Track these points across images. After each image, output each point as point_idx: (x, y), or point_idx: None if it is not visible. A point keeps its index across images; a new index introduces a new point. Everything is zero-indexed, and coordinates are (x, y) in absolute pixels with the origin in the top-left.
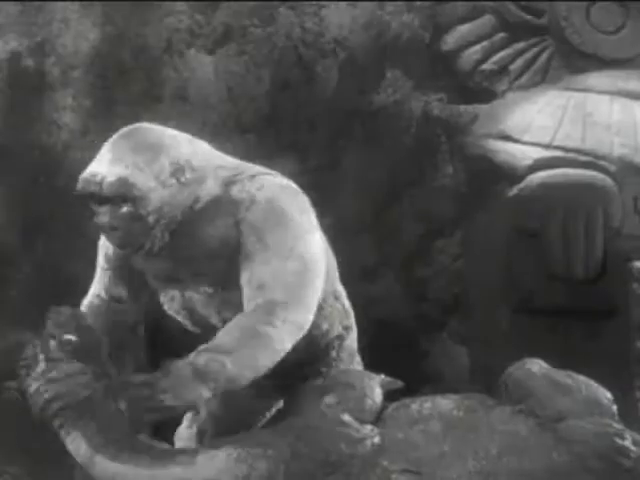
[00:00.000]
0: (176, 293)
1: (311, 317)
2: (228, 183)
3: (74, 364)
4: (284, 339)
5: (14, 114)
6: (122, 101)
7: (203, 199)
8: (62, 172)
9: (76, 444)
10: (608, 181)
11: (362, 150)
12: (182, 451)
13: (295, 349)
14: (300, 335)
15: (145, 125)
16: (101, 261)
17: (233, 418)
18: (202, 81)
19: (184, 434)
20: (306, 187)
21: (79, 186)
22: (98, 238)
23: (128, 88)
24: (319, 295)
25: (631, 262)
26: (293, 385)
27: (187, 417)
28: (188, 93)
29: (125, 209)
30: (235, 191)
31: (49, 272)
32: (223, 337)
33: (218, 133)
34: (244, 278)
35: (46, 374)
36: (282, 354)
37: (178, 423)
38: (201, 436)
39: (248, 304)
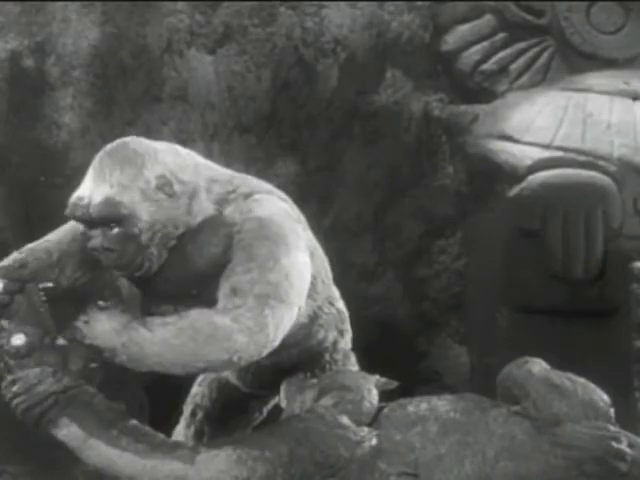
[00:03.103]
0: (169, 308)
1: (274, 341)
2: (222, 202)
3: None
4: (236, 342)
5: (14, 114)
6: (122, 101)
7: (197, 218)
8: (62, 172)
9: (67, 429)
10: (608, 181)
11: (362, 150)
12: (182, 445)
13: (289, 357)
14: (256, 351)
15: (129, 140)
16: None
17: (229, 417)
18: (202, 81)
19: (181, 435)
20: (306, 187)
21: (68, 211)
22: None
23: (128, 88)
24: (291, 319)
25: (631, 262)
26: (288, 386)
27: (184, 418)
28: (188, 93)
29: (116, 230)
30: (229, 212)
31: None
32: (174, 318)
33: (218, 133)
34: (222, 286)
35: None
36: (232, 356)
37: (175, 423)
38: (198, 436)
39: (217, 305)
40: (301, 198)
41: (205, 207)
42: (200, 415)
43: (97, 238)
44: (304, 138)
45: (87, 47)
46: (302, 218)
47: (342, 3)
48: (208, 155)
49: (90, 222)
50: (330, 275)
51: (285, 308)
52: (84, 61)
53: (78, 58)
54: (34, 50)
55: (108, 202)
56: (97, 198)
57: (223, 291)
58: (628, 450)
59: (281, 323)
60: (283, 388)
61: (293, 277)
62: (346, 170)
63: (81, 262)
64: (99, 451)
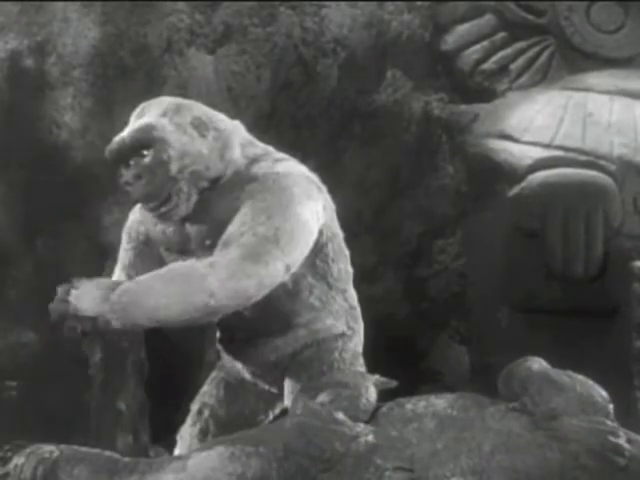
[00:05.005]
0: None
1: (247, 292)
2: (253, 160)
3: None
4: (210, 284)
5: (14, 114)
6: (122, 101)
7: (228, 170)
8: (62, 172)
9: None
10: (608, 181)
11: (362, 150)
12: (174, 458)
13: (295, 339)
14: (229, 298)
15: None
16: (124, 242)
17: (235, 417)
18: (202, 81)
19: (187, 433)
20: None
21: (106, 154)
22: (98, 239)
23: (128, 88)
24: (271, 275)
25: (631, 262)
26: (294, 387)
27: (190, 416)
28: (188, 93)
29: (147, 158)
30: (255, 168)
31: (49, 272)
32: (153, 274)
33: None
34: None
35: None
36: (209, 300)
37: (178, 424)
38: (203, 435)
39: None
40: None
41: (237, 159)
42: (206, 414)
43: (131, 170)
44: (304, 138)
45: (87, 47)
46: (329, 201)
47: (342, 3)
48: None
49: (125, 154)
50: (350, 270)
51: (262, 264)
52: (84, 61)
53: (78, 58)
54: (34, 50)
55: (142, 127)
56: (133, 127)
57: (220, 242)
58: (626, 445)
59: (255, 277)
60: (286, 386)
61: (283, 233)
62: (346, 170)
63: None
64: None
